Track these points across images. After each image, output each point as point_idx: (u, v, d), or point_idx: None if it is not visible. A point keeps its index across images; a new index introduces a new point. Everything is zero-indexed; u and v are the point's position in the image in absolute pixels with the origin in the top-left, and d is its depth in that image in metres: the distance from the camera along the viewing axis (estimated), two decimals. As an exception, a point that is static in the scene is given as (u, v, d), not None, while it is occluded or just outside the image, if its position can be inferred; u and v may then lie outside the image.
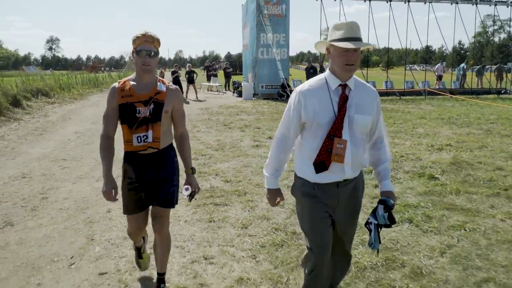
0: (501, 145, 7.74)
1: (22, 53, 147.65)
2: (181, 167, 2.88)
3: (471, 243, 3.66)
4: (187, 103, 16.86)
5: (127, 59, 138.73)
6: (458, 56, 72.57)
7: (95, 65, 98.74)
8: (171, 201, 2.79)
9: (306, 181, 2.30)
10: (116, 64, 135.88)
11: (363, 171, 2.43)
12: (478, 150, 7.33)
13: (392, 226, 2.27)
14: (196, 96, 19.05)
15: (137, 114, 2.63)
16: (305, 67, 24.58)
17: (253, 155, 7.28)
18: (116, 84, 2.72)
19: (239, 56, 54.90)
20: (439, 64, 27.27)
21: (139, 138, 2.64)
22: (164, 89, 2.71)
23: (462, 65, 26.19)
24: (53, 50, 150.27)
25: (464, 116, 12.09)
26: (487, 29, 71.00)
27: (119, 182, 2.76)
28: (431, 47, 79.89)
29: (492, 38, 78.06)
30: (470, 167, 6.17)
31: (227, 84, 25.47)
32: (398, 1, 22.20)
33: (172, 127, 2.88)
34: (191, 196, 2.78)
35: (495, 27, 72.02)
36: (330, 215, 2.32)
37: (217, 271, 3.30)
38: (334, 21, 2.28)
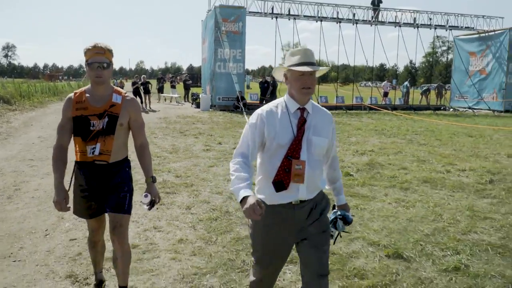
0: (415, 151, 9.19)
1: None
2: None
3: (358, 217, 4.87)
4: (146, 112, 17.71)
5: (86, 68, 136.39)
6: (409, 74, 77.03)
7: (52, 73, 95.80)
8: (123, 206, 2.77)
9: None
10: (74, 73, 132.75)
11: (324, 193, 2.46)
12: (393, 155, 8.73)
13: (345, 231, 2.58)
14: (150, 106, 20.09)
15: (91, 128, 2.64)
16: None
17: (203, 156, 8.34)
18: (72, 95, 2.72)
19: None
20: (385, 81, 29.46)
21: (92, 149, 2.66)
22: (119, 100, 2.72)
23: (405, 83, 28.45)
24: (8, 57, 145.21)
25: (395, 128, 13.68)
26: (437, 50, 75.83)
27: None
28: (385, 65, 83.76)
29: (440, 58, 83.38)
30: (381, 167, 7.51)
31: (186, 96, 26.41)
32: (346, 22, 24.17)
33: (132, 137, 2.90)
34: (151, 204, 2.77)
35: (444, 48, 77.18)
36: (291, 242, 2.37)
37: (164, 236, 4.33)
38: (290, 49, 2.42)
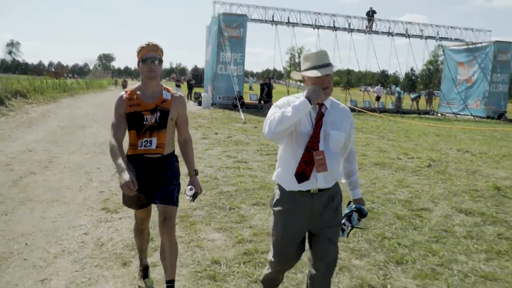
0: (381, 144, 10.72)
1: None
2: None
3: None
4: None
5: (91, 66, 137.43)
6: (409, 81, 78.64)
7: (58, 71, 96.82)
8: (172, 198, 2.88)
9: (282, 191, 2.48)
10: (80, 71, 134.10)
11: (339, 187, 2.57)
12: (361, 146, 10.26)
13: (359, 227, 2.72)
14: None
15: (144, 122, 2.80)
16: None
17: (200, 143, 9.92)
18: (123, 94, 2.88)
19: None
20: (378, 86, 31.04)
21: (142, 142, 2.81)
22: (169, 97, 2.89)
23: (397, 88, 30.05)
24: (12, 53, 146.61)
25: (375, 127, 15.22)
26: (437, 58, 77.29)
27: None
28: (387, 71, 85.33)
29: (441, 66, 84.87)
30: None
31: (189, 95, 28.02)
32: (342, 31, 25.76)
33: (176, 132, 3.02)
34: (194, 196, 2.91)
35: (443, 57, 78.67)
36: (306, 229, 2.50)
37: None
38: (304, 52, 2.48)
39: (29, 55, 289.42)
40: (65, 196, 5.55)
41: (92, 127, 12.40)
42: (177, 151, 3.04)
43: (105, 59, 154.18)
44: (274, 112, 2.32)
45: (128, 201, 2.99)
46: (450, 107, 26.76)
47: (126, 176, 2.58)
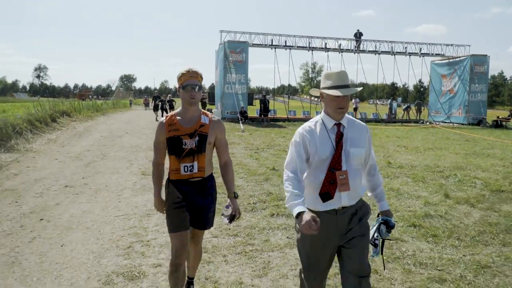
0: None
1: (9, 80, 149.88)
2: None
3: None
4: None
5: (113, 87, 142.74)
6: (418, 92, 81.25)
7: (82, 93, 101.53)
8: (207, 225, 3.15)
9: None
10: (103, 92, 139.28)
11: (364, 200, 2.64)
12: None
13: (390, 239, 2.80)
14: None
15: (183, 146, 2.91)
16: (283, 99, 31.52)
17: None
18: (163, 120, 3.01)
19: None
20: (355, 98, 34.71)
21: (185, 167, 2.93)
22: (207, 121, 2.99)
23: (389, 100, 33.46)
24: (40, 78, 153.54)
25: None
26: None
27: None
28: (397, 83, 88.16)
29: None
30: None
31: (203, 111, 32.10)
32: (333, 51, 29.49)
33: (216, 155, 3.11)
34: (232, 219, 3.00)
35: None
36: (335, 245, 2.56)
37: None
38: (325, 71, 2.61)
39: (55, 78, 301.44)
40: (118, 171, 9.37)
41: (126, 136, 16.37)
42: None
43: (126, 79, 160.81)
44: (291, 154, 2.54)
45: (175, 223, 2.98)
46: (432, 116, 30.02)
47: (159, 204, 3.13)
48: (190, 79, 2.90)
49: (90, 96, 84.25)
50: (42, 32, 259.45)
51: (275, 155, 11.65)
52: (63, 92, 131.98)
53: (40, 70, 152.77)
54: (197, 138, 2.93)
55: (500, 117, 29.02)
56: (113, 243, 4.83)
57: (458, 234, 5.14)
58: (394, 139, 16.54)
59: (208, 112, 3.07)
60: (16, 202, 6.52)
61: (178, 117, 2.99)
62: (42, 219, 5.67)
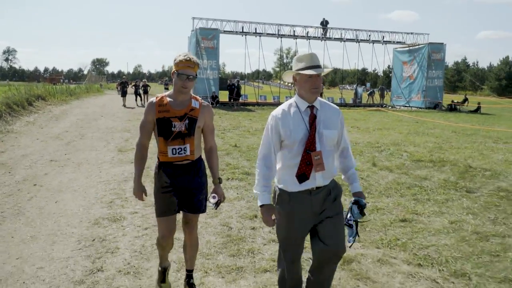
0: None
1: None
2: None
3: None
4: (144, 107, 24.35)
5: (85, 71, 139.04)
6: (387, 78, 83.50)
7: (53, 77, 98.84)
8: (200, 208, 3.11)
9: (283, 192, 2.65)
10: (74, 76, 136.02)
11: (336, 181, 2.74)
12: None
13: (363, 220, 2.81)
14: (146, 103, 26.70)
15: (172, 128, 2.89)
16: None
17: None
18: (154, 100, 2.99)
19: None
20: None
21: (174, 150, 2.91)
22: (197, 106, 2.98)
23: (355, 86, 35.17)
24: (9, 61, 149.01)
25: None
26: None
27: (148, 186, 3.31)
28: (367, 69, 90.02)
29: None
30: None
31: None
32: (301, 39, 30.79)
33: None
34: (217, 204, 3.05)
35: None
36: (309, 225, 2.65)
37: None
38: (296, 55, 2.66)
39: (25, 62, 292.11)
40: (97, 149, 10.47)
41: (101, 119, 17.32)
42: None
43: (99, 63, 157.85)
44: (264, 138, 2.66)
45: (162, 208, 3.04)
46: (393, 101, 31.89)
47: (139, 189, 3.07)
48: (186, 69, 2.88)
49: (62, 80, 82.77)
50: (10, 13, 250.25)
51: (240, 135, 12.97)
52: (33, 76, 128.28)
53: (8, 53, 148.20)
54: (187, 121, 2.92)
55: (456, 101, 31.18)
56: (97, 200, 6.06)
57: (370, 189, 6.61)
58: (351, 121, 18.07)
59: (198, 97, 3.09)
60: (9, 172, 7.62)
61: (169, 99, 2.97)
62: (35, 184, 6.82)
